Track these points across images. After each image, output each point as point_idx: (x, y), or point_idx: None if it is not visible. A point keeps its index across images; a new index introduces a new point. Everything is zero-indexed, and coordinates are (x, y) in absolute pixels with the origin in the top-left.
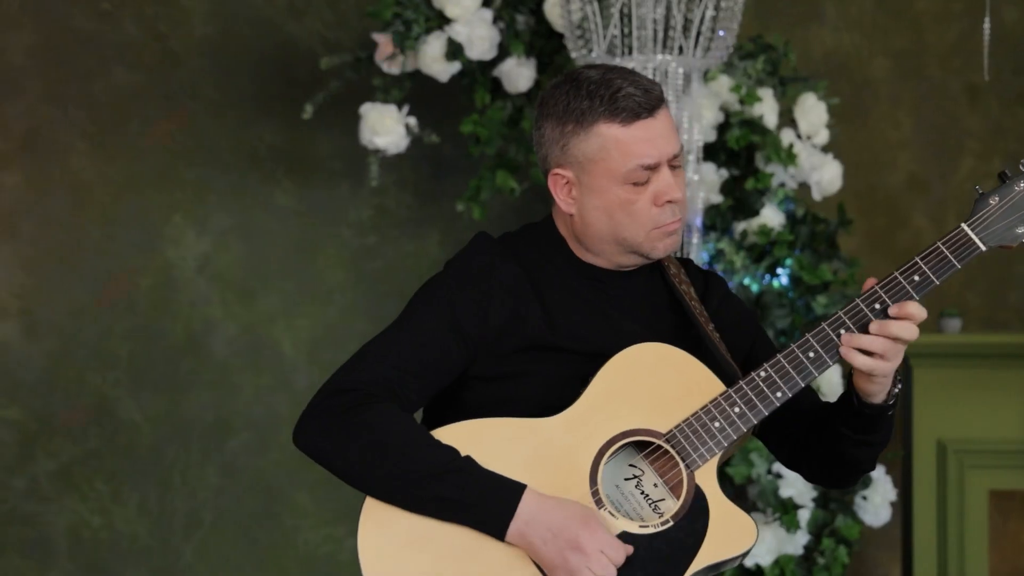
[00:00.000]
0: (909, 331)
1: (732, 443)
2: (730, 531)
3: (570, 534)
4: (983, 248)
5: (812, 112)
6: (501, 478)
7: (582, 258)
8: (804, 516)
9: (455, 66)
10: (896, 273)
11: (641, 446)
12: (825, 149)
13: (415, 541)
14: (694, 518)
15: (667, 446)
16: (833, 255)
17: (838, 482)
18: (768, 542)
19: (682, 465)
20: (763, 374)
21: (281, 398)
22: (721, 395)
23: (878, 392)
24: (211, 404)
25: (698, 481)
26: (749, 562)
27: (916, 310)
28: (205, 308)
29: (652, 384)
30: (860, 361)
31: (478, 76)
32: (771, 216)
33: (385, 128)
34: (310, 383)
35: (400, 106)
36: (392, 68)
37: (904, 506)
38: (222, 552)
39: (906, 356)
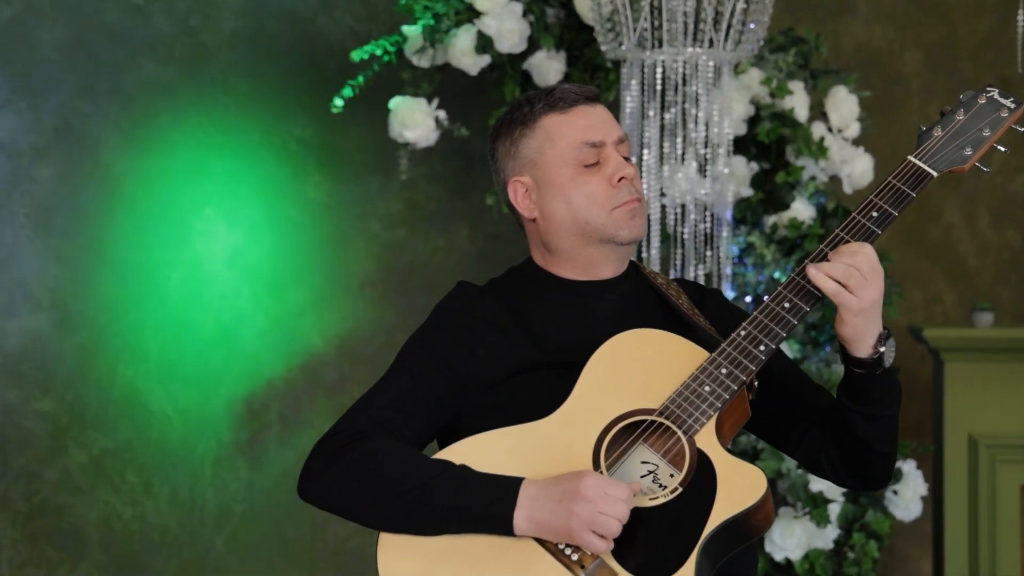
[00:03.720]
0: (858, 255)
1: (725, 403)
2: (738, 484)
3: (570, 491)
4: (934, 174)
5: (843, 105)
6: (497, 476)
7: (560, 275)
8: (834, 510)
9: (485, 59)
10: (855, 214)
11: (642, 431)
12: (856, 142)
13: (433, 562)
14: (701, 480)
15: (662, 419)
16: None
17: (861, 477)
18: (798, 536)
19: (680, 433)
20: (743, 332)
21: (311, 391)
22: (707, 360)
23: (856, 338)
24: (241, 396)
25: (699, 445)
26: (779, 556)
27: (850, 246)
28: (235, 300)
29: (638, 367)
30: (828, 286)
31: (508, 69)
32: (802, 209)
33: (415, 122)
34: (339, 376)
35: (430, 100)
36: (422, 62)
37: (935, 501)
38: (252, 544)
39: (937, 350)
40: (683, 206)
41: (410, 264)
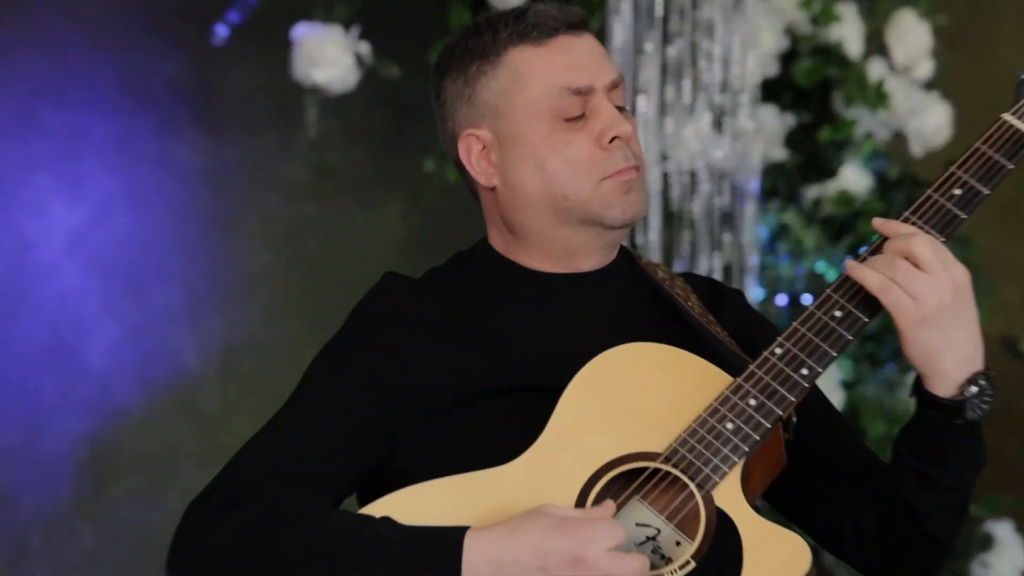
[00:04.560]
0: (911, 238)
1: (755, 447)
2: (773, 557)
3: (553, 551)
4: None
5: (910, 36)
6: (432, 529)
7: (527, 264)
8: None
9: None
10: (931, 192)
11: (640, 483)
12: (928, 86)
13: None
14: (721, 551)
15: (668, 467)
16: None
17: (895, 565)
18: None
19: (692, 486)
20: (779, 351)
21: (183, 428)
22: (729, 388)
23: (925, 362)
24: (85, 436)
25: (719, 503)
26: None
27: (901, 226)
28: (77, 303)
29: (634, 395)
30: (871, 279)
31: None
32: (854, 178)
33: (327, 58)
34: (222, 407)
35: (347, 28)
36: None
37: None
38: None
39: None
40: (692, 174)
41: (321, 252)
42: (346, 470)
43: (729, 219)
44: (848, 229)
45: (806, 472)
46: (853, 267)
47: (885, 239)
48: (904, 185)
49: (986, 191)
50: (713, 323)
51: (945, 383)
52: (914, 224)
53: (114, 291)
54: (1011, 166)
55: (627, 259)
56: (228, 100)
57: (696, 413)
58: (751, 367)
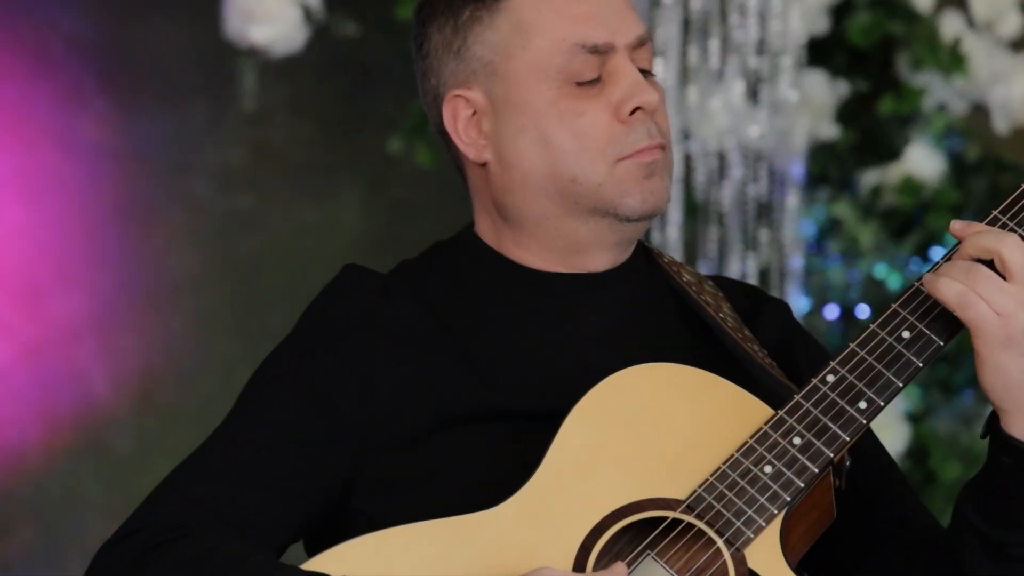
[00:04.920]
0: (998, 243)
1: (798, 496)
2: None
3: None
4: None
5: None
6: None
7: (523, 262)
8: None
9: None
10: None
11: (656, 536)
12: (1016, 47)
13: None
14: None
15: (690, 518)
16: None
17: None
18: None
19: (721, 543)
20: (831, 378)
21: (89, 471)
22: (769, 422)
23: (1004, 393)
24: None
25: (753, 566)
26: None
27: (987, 231)
28: None
29: (651, 426)
30: (947, 290)
31: None
32: (923, 161)
33: (268, 12)
34: (138, 444)
35: None
36: None
37: None
38: None
39: None
40: (721, 156)
41: (261, 253)
42: (293, 510)
43: (767, 212)
44: (915, 224)
45: (847, 532)
46: (928, 279)
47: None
48: (985, 170)
49: None
50: (750, 340)
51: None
52: (1004, 225)
53: (2, 301)
54: None
55: (646, 259)
56: (144, 64)
57: (727, 452)
58: (796, 397)
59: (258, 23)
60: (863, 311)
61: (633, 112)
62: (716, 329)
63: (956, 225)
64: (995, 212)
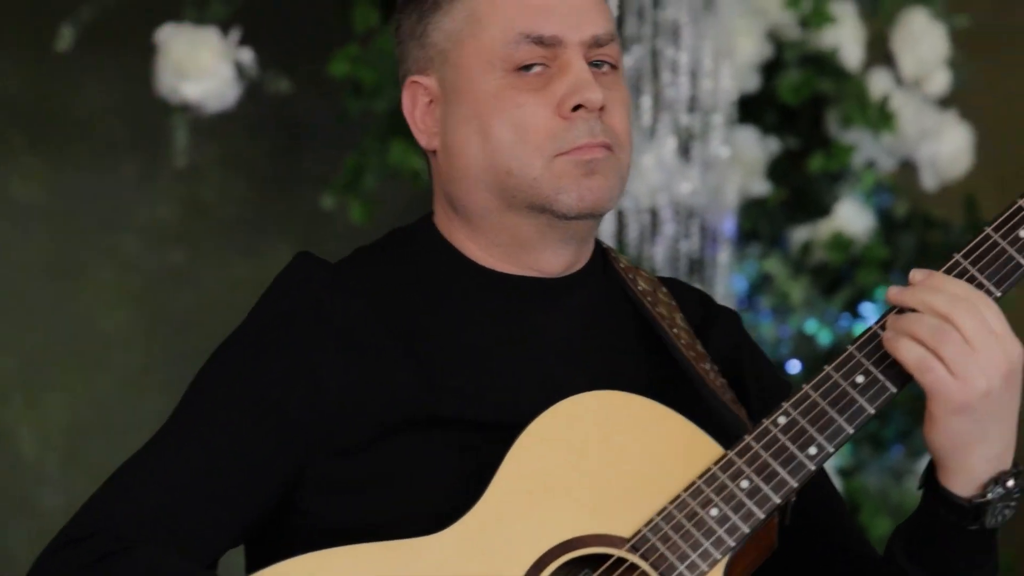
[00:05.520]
0: (963, 301)
1: (743, 541)
2: None
3: None
4: None
5: (922, 41)
6: None
7: (475, 259)
8: None
9: None
10: (989, 229)
11: (596, 567)
12: (944, 103)
13: None
14: None
15: (635, 558)
16: None
17: None
18: None
19: None
20: (783, 420)
21: (15, 530)
22: (718, 463)
23: (951, 454)
24: None
25: None
26: None
27: (954, 284)
28: None
29: (601, 457)
30: (908, 353)
31: None
32: (853, 217)
33: (200, 67)
34: (67, 503)
35: (226, 31)
36: None
37: None
38: None
39: None
40: (653, 212)
41: (192, 309)
42: (236, 519)
43: (698, 268)
44: (845, 280)
45: (790, 562)
46: (889, 337)
47: (961, 273)
48: (914, 226)
49: (998, 293)
50: (702, 356)
51: (967, 480)
52: (964, 271)
53: None
54: None
55: (604, 261)
56: (74, 120)
57: (674, 490)
58: (747, 439)
59: (190, 79)
60: (794, 366)
61: (576, 109)
62: (670, 346)
63: (916, 275)
64: (957, 256)
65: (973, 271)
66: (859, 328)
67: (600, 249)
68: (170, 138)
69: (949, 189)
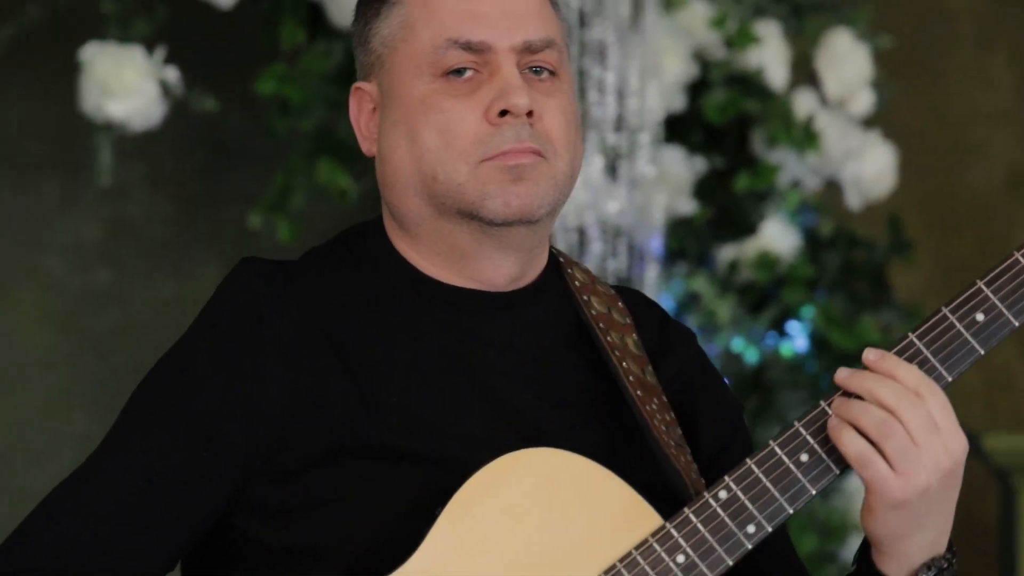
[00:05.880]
0: (908, 397)
1: None
2: None
3: None
4: None
5: (846, 62)
6: None
7: (425, 271)
8: None
9: None
10: (945, 309)
11: None
12: (868, 123)
13: None
14: None
15: None
16: (882, 300)
17: None
18: None
19: None
20: (724, 495)
21: None
22: (656, 535)
23: (887, 543)
24: None
25: None
26: None
27: (904, 373)
28: None
29: (537, 521)
30: (850, 446)
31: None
32: (778, 236)
33: (125, 86)
34: None
35: (151, 49)
36: None
37: None
38: None
39: (1006, 470)
40: (581, 231)
41: (118, 330)
42: (171, 545)
43: (626, 286)
44: (771, 298)
45: None
46: (833, 425)
47: (914, 353)
48: (838, 245)
49: (1015, 324)
50: (651, 391)
51: (900, 564)
52: (917, 352)
53: None
54: (982, 351)
55: (558, 273)
56: None
57: (610, 559)
58: (686, 511)
59: (115, 98)
60: None
61: (504, 115)
62: (620, 384)
63: (870, 355)
64: (912, 336)
65: (927, 353)
66: (785, 346)
67: (556, 261)
68: (94, 157)
69: (873, 208)
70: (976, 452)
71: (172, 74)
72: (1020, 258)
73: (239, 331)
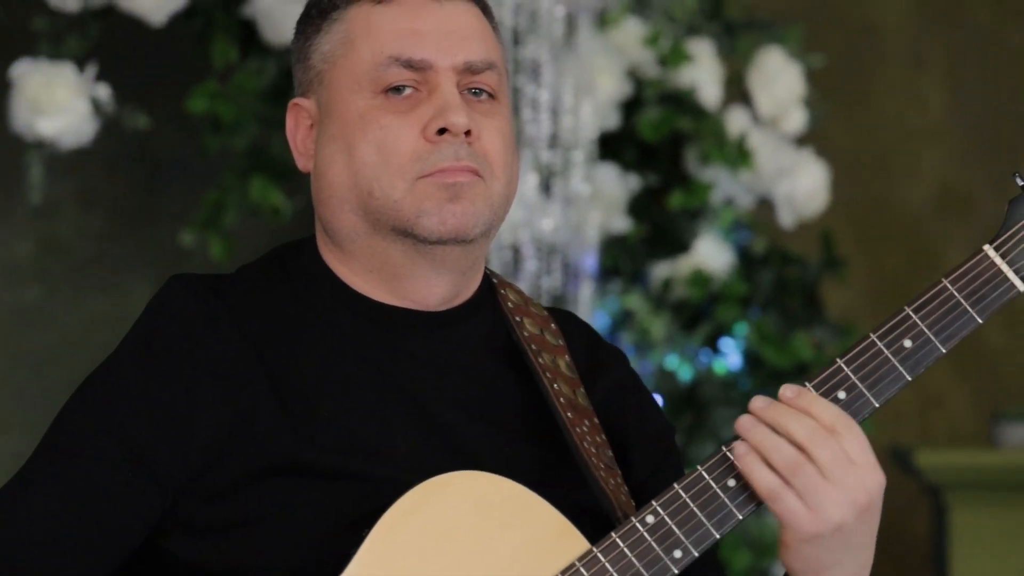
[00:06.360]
0: (818, 432)
1: None
2: None
3: None
4: (1021, 289)
5: (779, 80)
6: None
7: (357, 289)
8: None
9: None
10: (873, 336)
11: None
12: (800, 141)
13: None
14: None
15: None
16: (815, 317)
17: None
18: None
19: None
20: (651, 520)
21: None
22: (582, 560)
23: (804, 572)
24: None
25: None
26: None
27: (820, 409)
28: None
29: (463, 546)
30: (761, 480)
31: (216, 17)
32: (712, 254)
33: (56, 103)
34: None
35: (82, 66)
36: (67, 1)
37: None
38: None
39: (938, 487)
40: (515, 249)
41: (49, 348)
42: (98, 566)
43: (560, 304)
44: (704, 316)
45: None
46: (743, 454)
47: (840, 380)
48: (772, 263)
49: (942, 350)
50: (582, 413)
51: None
52: (845, 377)
53: None
54: (980, 320)
55: (492, 294)
56: None
57: None
58: (614, 536)
59: (46, 115)
60: (655, 401)
61: (442, 133)
62: (550, 406)
63: (786, 392)
64: (839, 361)
65: (854, 379)
66: (719, 364)
67: (490, 282)
68: (25, 175)
69: (806, 226)
70: (908, 469)
71: (104, 91)
72: (948, 285)
73: (168, 350)
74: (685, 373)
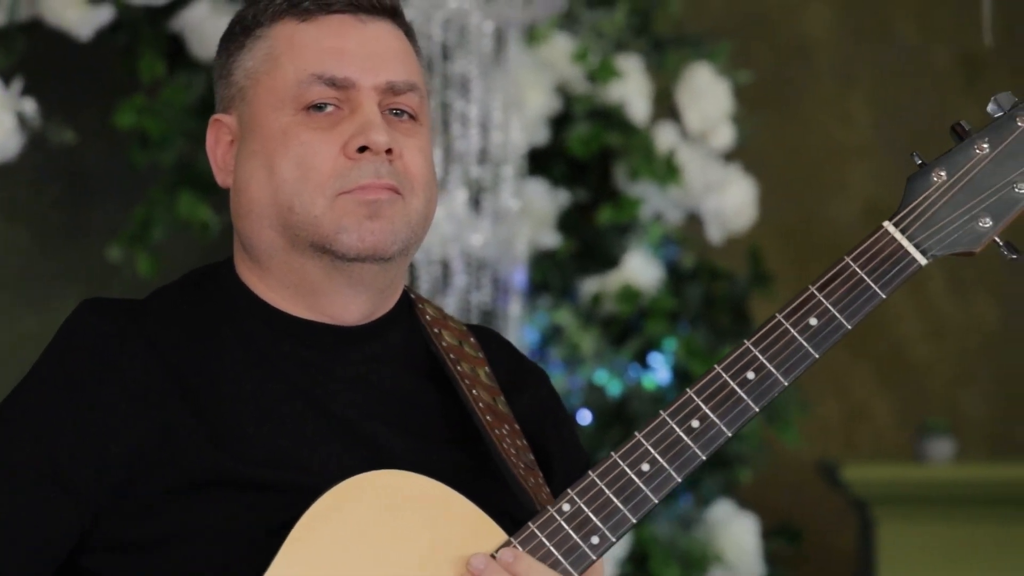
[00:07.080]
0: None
1: None
2: None
3: None
4: (922, 262)
5: (707, 96)
6: None
7: (275, 304)
8: None
9: (103, 13)
10: (780, 316)
11: None
12: (728, 157)
13: None
14: None
15: None
16: (743, 332)
17: None
18: None
19: None
20: (567, 508)
21: None
22: (502, 550)
23: None
24: None
25: None
26: None
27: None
28: None
29: (381, 543)
30: None
31: (143, 31)
32: (641, 269)
33: None
34: None
35: (7, 80)
36: None
37: None
38: None
39: (864, 501)
40: (445, 264)
41: None
42: None
43: (490, 319)
44: (634, 331)
45: None
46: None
47: (750, 362)
48: (700, 278)
49: (848, 327)
50: (502, 418)
51: None
52: (755, 359)
53: None
54: (883, 295)
55: (410, 310)
56: None
57: None
58: (532, 527)
59: None
60: (584, 417)
61: (363, 151)
62: (468, 409)
63: (506, 556)
64: (747, 343)
65: (763, 359)
66: (648, 379)
67: (408, 297)
68: None
69: (734, 241)
70: (834, 483)
71: (29, 106)
72: (850, 262)
73: (81, 369)
74: (614, 388)
